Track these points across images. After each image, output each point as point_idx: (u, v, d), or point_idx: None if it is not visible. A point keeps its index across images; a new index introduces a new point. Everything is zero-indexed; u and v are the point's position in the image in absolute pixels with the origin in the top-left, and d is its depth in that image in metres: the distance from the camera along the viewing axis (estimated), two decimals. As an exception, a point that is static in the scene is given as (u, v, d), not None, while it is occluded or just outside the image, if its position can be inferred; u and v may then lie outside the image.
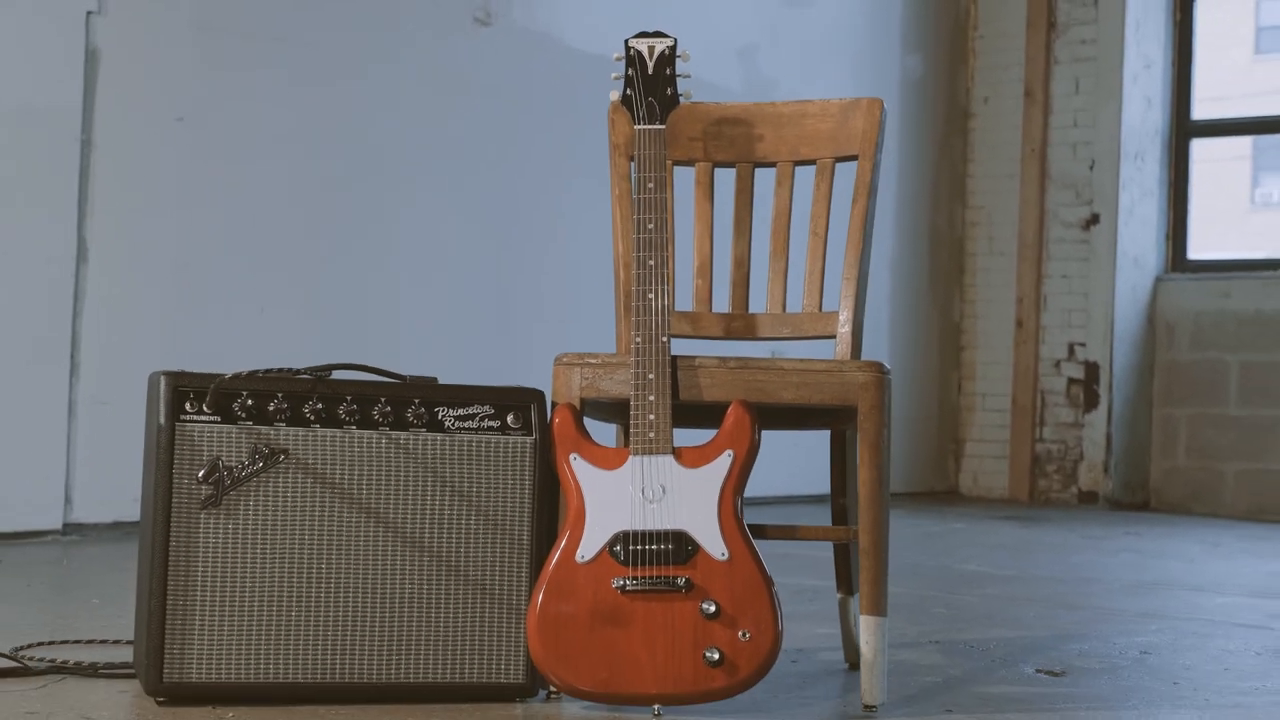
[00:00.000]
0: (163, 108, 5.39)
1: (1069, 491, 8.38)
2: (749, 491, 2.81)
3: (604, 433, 3.03)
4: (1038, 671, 3.32)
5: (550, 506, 2.83)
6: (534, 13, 6.59)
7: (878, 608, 2.82)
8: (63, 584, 4.24)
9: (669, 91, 2.94)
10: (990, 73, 8.76)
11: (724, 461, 2.75)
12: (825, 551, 4.90)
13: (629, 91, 2.94)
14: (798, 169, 3.26)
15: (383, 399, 2.78)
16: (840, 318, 3.16)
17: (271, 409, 2.72)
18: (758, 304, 3.25)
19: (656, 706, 2.71)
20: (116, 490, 5.15)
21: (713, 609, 2.69)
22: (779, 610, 2.72)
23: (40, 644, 3.13)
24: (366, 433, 2.76)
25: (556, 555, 2.72)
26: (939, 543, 6.22)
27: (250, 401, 2.72)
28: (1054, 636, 3.81)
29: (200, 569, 2.67)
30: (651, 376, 2.76)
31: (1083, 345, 8.37)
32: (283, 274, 5.73)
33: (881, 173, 3.32)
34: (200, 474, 2.68)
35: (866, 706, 2.82)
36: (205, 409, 2.70)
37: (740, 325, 3.25)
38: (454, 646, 2.77)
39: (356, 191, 5.96)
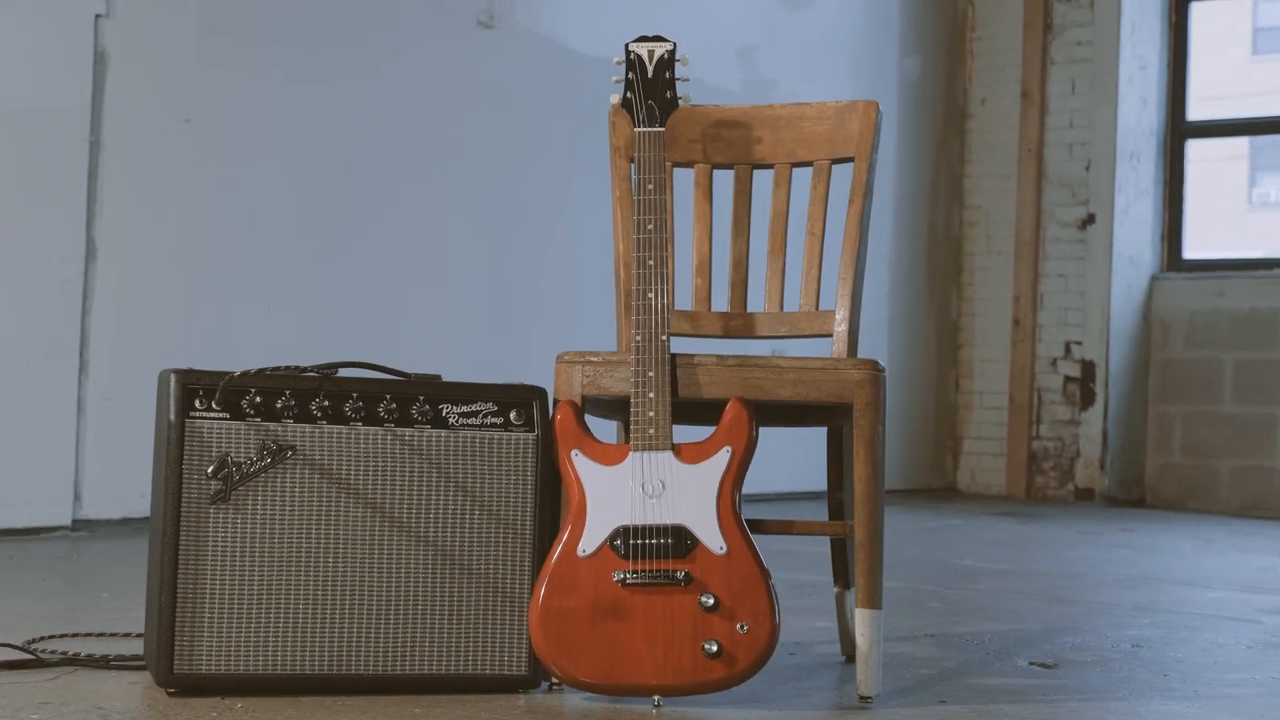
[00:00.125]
0: (170, 109, 5.41)
1: (1065, 488, 8.40)
2: (747, 487, 2.83)
3: (605, 429, 3.05)
4: (1031, 664, 3.36)
5: (552, 501, 2.86)
6: (536, 15, 6.61)
7: (873, 601, 2.85)
8: (73, 578, 4.26)
9: (668, 95, 2.97)
10: (987, 74, 8.78)
11: (722, 457, 2.78)
12: (822, 546, 4.93)
13: (629, 95, 2.97)
14: (795, 170, 3.29)
15: (388, 396, 2.82)
16: (837, 316, 3.19)
17: (279, 406, 2.76)
18: (756, 303, 3.29)
19: (656, 697, 2.74)
20: (125, 486, 5.19)
21: (711, 602, 2.72)
22: (776, 603, 2.75)
23: (52, 636, 3.15)
24: (372, 429, 2.79)
25: (558, 549, 2.75)
26: (936, 538, 6.24)
27: (258, 399, 2.75)
28: (1047, 630, 3.84)
29: (210, 563, 2.71)
30: (651, 374, 2.79)
31: (1079, 344, 8.39)
32: (288, 272, 5.75)
33: (880, 173, 3.37)
34: (209, 470, 2.71)
35: (862, 697, 2.85)
36: (214, 406, 2.73)
37: (739, 324, 3.28)
38: (458, 639, 2.81)
39: (361, 191, 5.98)
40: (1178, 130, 8.55)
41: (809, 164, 3.28)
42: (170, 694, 2.70)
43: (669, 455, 2.77)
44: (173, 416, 2.72)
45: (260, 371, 2.78)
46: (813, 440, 3.46)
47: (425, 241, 6.21)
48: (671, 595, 2.73)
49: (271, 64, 5.69)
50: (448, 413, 2.84)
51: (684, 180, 3.35)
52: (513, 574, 2.84)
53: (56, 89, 5.11)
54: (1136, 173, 8.43)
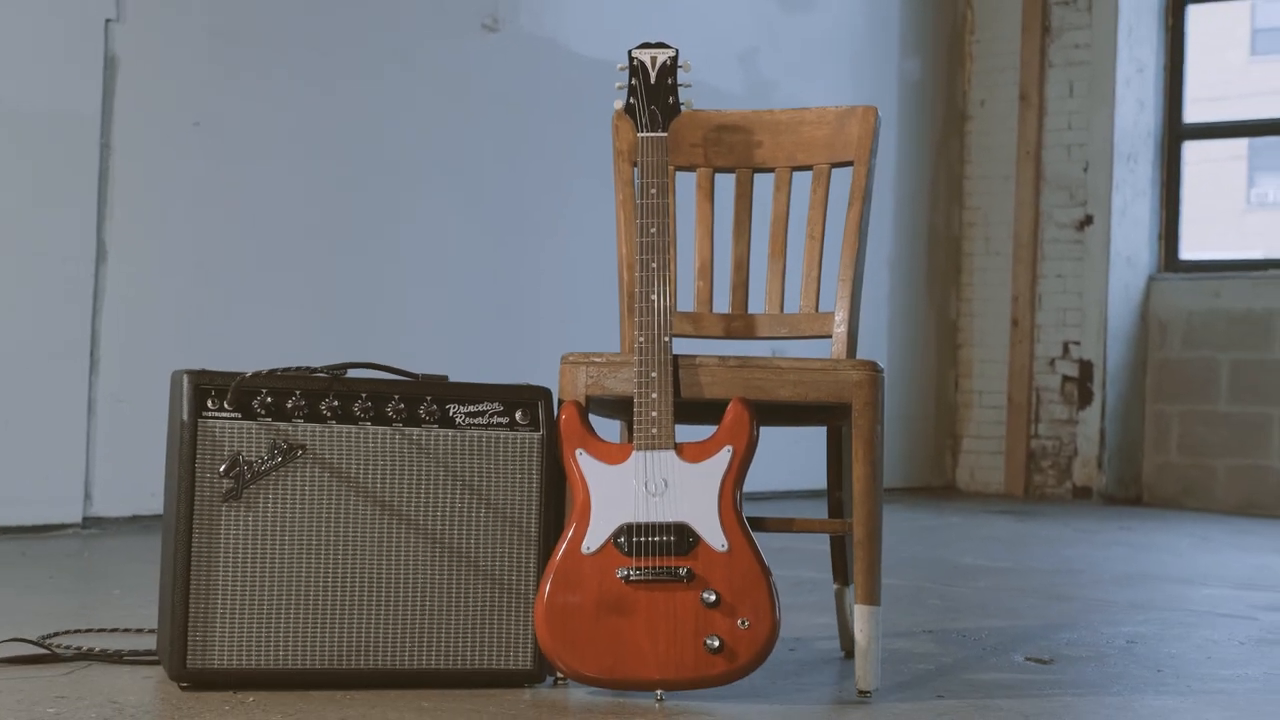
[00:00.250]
0: (180, 113, 5.42)
1: (1063, 486, 8.42)
2: (748, 486, 2.86)
3: (609, 429, 3.09)
4: (1027, 659, 3.38)
5: (557, 500, 2.89)
6: (540, 19, 6.62)
7: (872, 597, 2.88)
8: (84, 575, 4.27)
9: (671, 100, 3.00)
10: (986, 76, 8.80)
11: (724, 456, 2.81)
12: (822, 544, 4.97)
13: (632, 100, 3.00)
14: (795, 174, 3.32)
15: (396, 396, 2.84)
16: (836, 318, 3.21)
17: (290, 406, 2.78)
18: (757, 304, 3.31)
19: (659, 692, 2.77)
20: (135, 485, 5.20)
21: (713, 598, 2.74)
22: (777, 599, 2.78)
23: (66, 632, 3.18)
24: (381, 429, 2.82)
25: (563, 546, 2.78)
26: (935, 536, 6.25)
27: (269, 399, 2.78)
28: (1044, 626, 3.87)
29: (222, 560, 2.73)
30: (654, 375, 2.82)
31: (1077, 343, 8.41)
32: (295, 273, 5.77)
33: (880, 174, 3.40)
34: (221, 468, 2.74)
35: (861, 692, 2.88)
36: (226, 406, 2.76)
37: (740, 325, 3.30)
38: (465, 634, 2.83)
39: (367, 193, 5.99)
40: (1174, 132, 8.56)
41: (809, 168, 3.30)
42: (183, 688, 2.72)
43: (671, 454, 2.80)
44: (185, 416, 2.74)
45: (271, 372, 2.80)
46: (812, 440, 3.48)
47: (429, 242, 6.22)
48: (674, 591, 2.76)
49: (279, 68, 5.71)
50: (455, 413, 2.86)
51: (686, 184, 3.37)
52: (518, 571, 2.86)
53: (68, 93, 5.12)
54: (1134, 174, 8.45)
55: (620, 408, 3.04)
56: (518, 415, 2.90)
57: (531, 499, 2.88)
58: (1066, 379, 8.46)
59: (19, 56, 5.02)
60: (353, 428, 2.81)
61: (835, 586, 3.34)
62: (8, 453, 4.97)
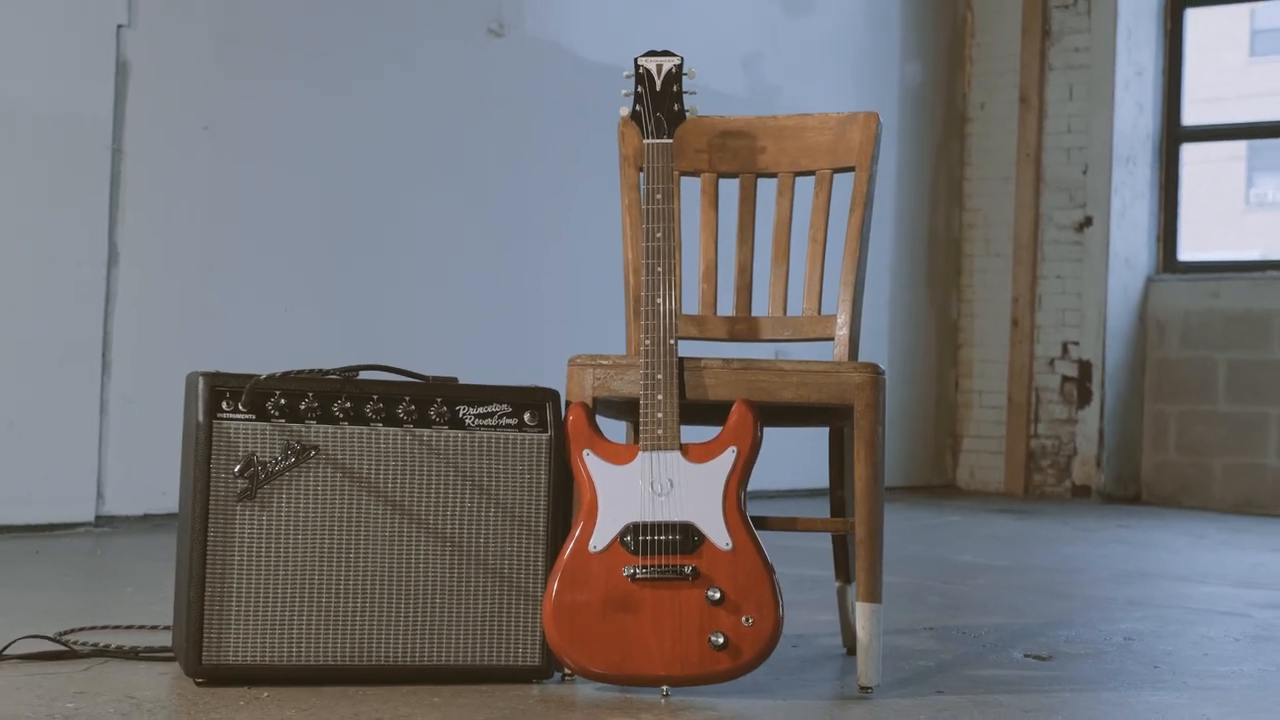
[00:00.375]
0: (189, 116, 5.45)
1: (1063, 485, 8.42)
2: (752, 485, 2.88)
3: (615, 430, 3.11)
4: (1026, 656, 3.41)
5: (565, 499, 2.91)
6: (545, 24, 6.63)
7: (873, 594, 2.90)
8: (97, 573, 4.30)
9: (676, 107, 3.02)
10: (987, 79, 8.80)
11: (728, 457, 2.84)
12: (824, 542, 4.98)
13: (638, 107, 3.03)
14: (798, 179, 3.34)
15: (407, 398, 2.87)
16: (838, 320, 3.24)
17: (303, 407, 2.81)
18: (760, 307, 3.33)
19: (665, 687, 2.80)
20: (146, 484, 5.23)
21: (718, 596, 2.77)
22: (780, 597, 2.80)
23: (82, 629, 3.21)
24: (392, 430, 2.85)
25: (571, 545, 2.81)
26: (936, 535, 6.26)
27: (283, 400, 2.81)
28: (1043, 623, 3.89)
29: (236, 558, 2.76)
30: (660, 377, 2.85)
31: (1076, 344, 8.42)
32: (304, 275, 5.79)
33: (881, 176, 3.43)
34: (236, 469, 2.77)
35: (862, 688, 2.90)
36: (241, 407, 2.78)
37: (743, 328, 3.33)
38: (474, 631, 2.86)
39: (373, 195, 6.01)
40: (1173, 135, 8.57)
41: (811, 173, 3.33)
42: (199, 684, 2.75)
43: (677, 455, 2.82)
44: (201, 417, 2.77)
45: (285, 374, 2.83)
46: (815, 440, 3.51)
47: (434, 245, 6.23)
48: (679, 589, 2.78)
49: (287, 72, 5.73)
50: (464, 414, 2.89)
51: (691, 188, 3.39)
52: (527, 569, 2.89)
53: (79, 97, 5.14)
54: (1133, 176, 8.46)
55: (626, 409, 3.07)
56: (526, 416, 2.92)
57: (540, 499, 2.90)
58: (1066, 379, 8.47)
59: (32, 61, 5.05)
60: (364, 429, 2.84)
61: (837, 584, 3.35)
62: (22, 453, 4.99)
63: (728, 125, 3.37)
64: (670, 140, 3.01)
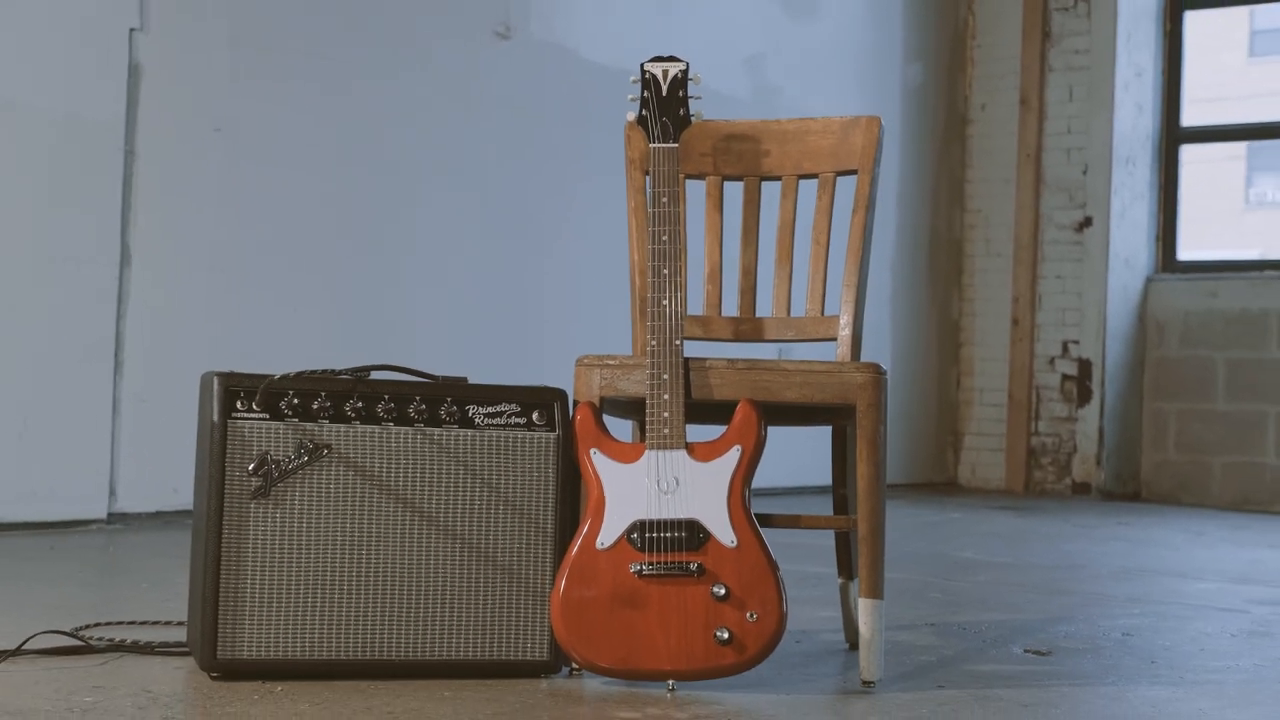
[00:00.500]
0: (201, 119, 5.48)
1: (1063, 483, 8.44)
2: (756, 483, 2.91)
3: (621, 429, 3.13)
4: (1026, 651, 3.43)
5: (572, 497, 2.93)
6: (551, 27, 6.65)
7: (875, 591, 2.93)
8: (111, 569, 4.31)
9: (681, 112, 3.05)
10: (987, 81, 8.82)
11: (733, 455, 2.87)
12: (827, 540, 5.00)
13: (644, 112, 3.05)
14: (801, 182, 3.37)
15: (418, 397, 2.89)
16: (841, 321, 3.26)
17: (316, 407, 2.83)
18: (764, 308, 3.36)
19: (671, 682, 2.83)
20: (158, 482, 5.27)
21: (723, 592, 2.80)
22: (784, 593, 2.83)
23: (97, 624, 3.23)
24: (403, 429, 2.87)
25: (578, 542, 2.83)
26: (937, 532, 6.28)
27: (296, 400, 2.83)
28: (1043, 619, 3.91)
29: (250, 555, 2.78)
30: (666, 377, 2.87)
31: (1076, 343, 8.44)
32: (313, 275, 5.81)
33: (883, 177, 3.44)
34: (250, 467, 2.79)
35: (865, 683, 2.93)
36: (255, 407, 2.80)
37: (748, 328, 3.35)
38: (484, 626, 2.88)
39: (382, 198, 6.03)
40: (1172, 136, 8.60)
41: (814, 176, 3.35)
42: (214, 678, 2.78)
43: (683, 453, 2.85)
44: (216, 417, 2.79)
45: (298, 374, 2.85)
46: (818, 439, 3.53)
47: (441, 245, 6.25)
48: (685, 585, 2.80)
49: (297, 75, 5.75)
50: (474, 413, 2.91)
51: (695, 191, 3.42)
52: (535, 565, 2.91)
53: (92, 100, 5.17)
54: (1132, 177, 8.48)
55: (633, 408, 3.09)
56: (534, 416, 2.94)
57: (548, 496, 2.93)
58: (1066, 377, 8.49)
59: (46, 65, 5.07)
60: (376, 428, 2.86)
61: (840, 581, 3.38)
62: (36, 451, 5.02)
63: (732, 129, 3.40)
64: (676, 145, 3.04)
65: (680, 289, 2.94)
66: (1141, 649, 3.54)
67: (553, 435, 2.95)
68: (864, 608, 2.94)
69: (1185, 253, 8.65)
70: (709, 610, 2.81)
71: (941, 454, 8.85)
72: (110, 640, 3.04)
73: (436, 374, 2.98)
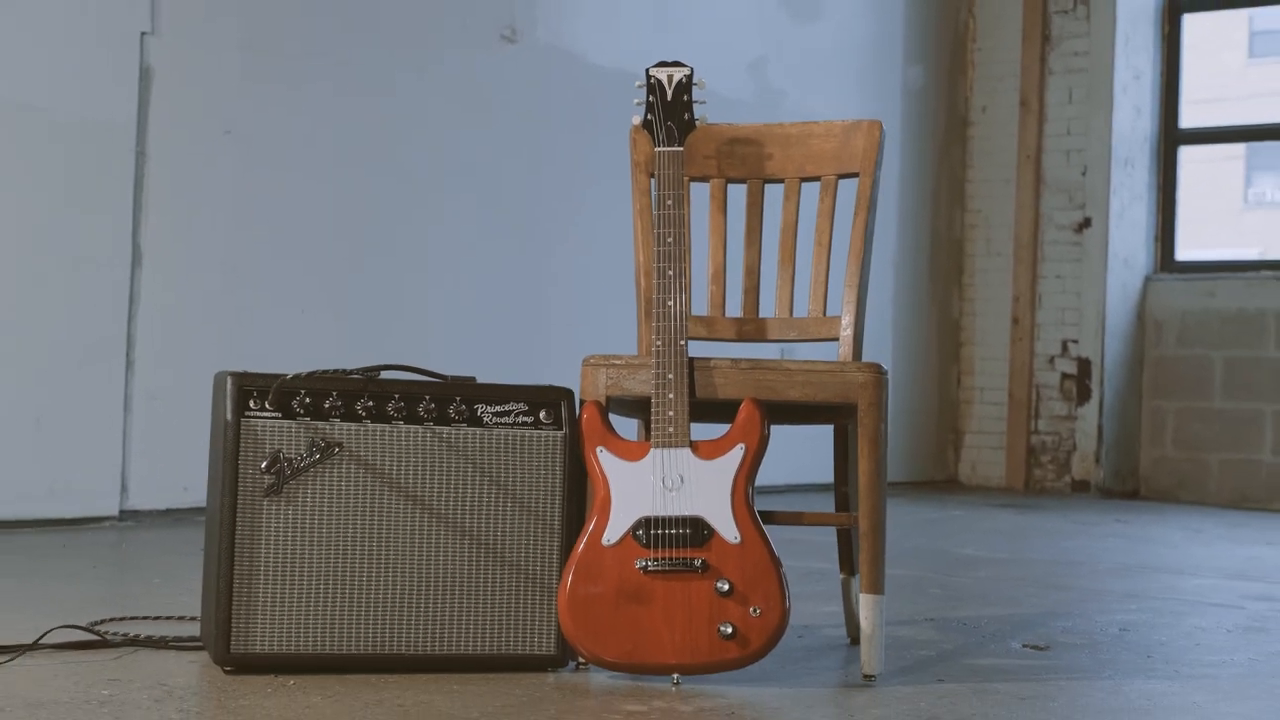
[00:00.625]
0: (211, 122, 5.50)
1: (1062, 480, 8.46)
2: (759, 481, 2.94)
3: (627, 427, 3.19)
4: (1024, 646, 3.46)
5: (579, 494, 2.96)
6: (557, 31, 6.67)
7: (876, 586, 2.96)
8: (123, 566, 4.33)
9: (686, 116, 3.08)
10: (988, 83, 8.84)
11: (737, 454, 2.90)
12: (828, 536, 5.05)
13: (650, 116, 3.09)
14: (804, 185, 3.41)
15: (427, 396, 2.92)
16: (843, 321, 3.30)
17: (327, 406, 2.86)
18: (767, 309, 3.39)
19: (675, 676, 2.86)
20: (169, 479, 5.30)
21: (726, 587, 2.83)
22: (787, 589, 2.86)
23: (112, 619, 3.26)
24: (413, 427, 2.90)
25: (585, 539, 2.87)
26: (938, 528, 6.29)
27: (308, 399, 2.86)
28: (1041, 614, 3.93)
29: (263, 551, 2.81)
30: (670, 376, 2.90)
31: (1075, 342, 8.45)
32: (321, 276, 5.83)
33: (885, 178, 3.46)
34: (263, 465, 2.82)
35: (866, 676, 2.96)
36: (267, 406, 2.83)
37: (751, 328, 3.39)
38: (492, 621, 2.91)
39: (390, 200, 6.05)
40: (1170, 137, 8.61)
41: (817, 179, 3.39)
42: (227, 672, 2.81)
43: (687, 452, 2.88)
44: (229, 416, 2.82)
45: (310, 374, 2.88)
46: (820, 437, 3.55)
47: (449, 247, 6.27)
48: (689, 581, 2.83)
49: (307, 78, 5.77)
50: (482, 412, 2.93)
51: (700, 193, 3.45)
52: (542, 561, 2.93)
53: (104, 103, 5.19)
54: (1131, 178, 8.50)
55: (638, 407, 3.13)
56: (542, 415, 2.97)
57: (555, 494, 2.95)
58: (1065, 376, 8.51)
59: (59, 68, 5.09)
60: (386, 426, 2.89)
61: (841, 576, 3.40)
62: (49, 449, 5.05)
63: (736, 133, 3.43)
64: (681, 148, 3.07)
65: (685, 290, 2.97)
66: (1138, 644, 3.57)
67: (560, 434, 2.97)
68: (865, 603, 2.97)
69: (1184, 252, 8.67)
70: (713, 605, 2.84)
71: (942, 452, 8.87)
72: (125, 635, 3.07)
73: (445, 374, 3.00)
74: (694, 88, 3.12)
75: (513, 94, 6.52)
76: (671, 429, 2.90)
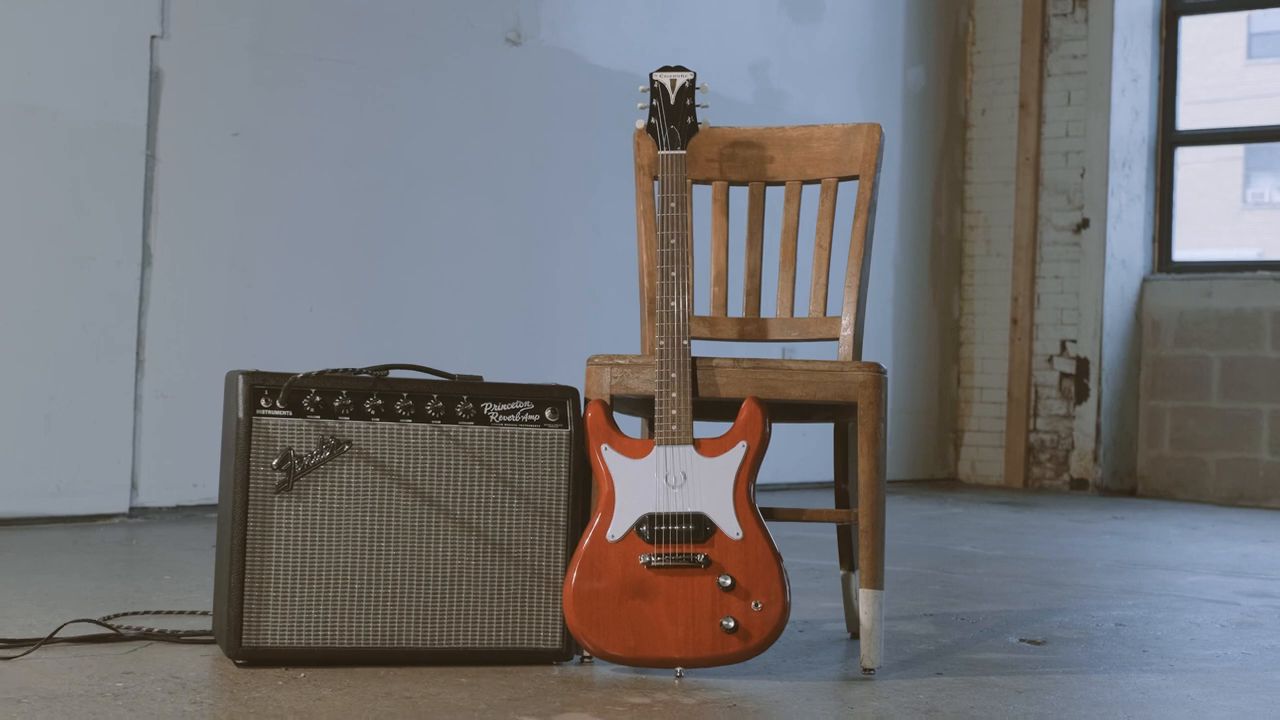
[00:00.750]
0: (220, 124, 5.53)
1: (1061, 479, 8.47)
2: (760, 478, 2.99)
3: (631, 425, 3.23)
4: (1021, 641, 3.49)
5: (584, 491, 3.00)
6: (560, 33, 6.69)
7: (875, 581, 2.99)
8: (134, 562, 4.34)
9: (689, 120, 3.12)
10: (987, 86, 8.85)
11: (739, 451, 2.92)
12: (828, 534, 5.11)
13: (653, 120, 3.12)
14: (805, 187, 3.44)
15: (435, 395, 2.95)
16: (843, 322, 3.33)
17: (337, 404, 2.89)
18: (768, 309, 3.45)
19: (678, 669, 2.89)
20: (178, 476, 5.34)
21: (728, 582, 2.86)
22: (788, 584, 2.89)
23: (124, 614, 3.30)
24: (421, 425, 2.93)
25: (589, 535, 2.90)
26: (937, 525, 6.26)
27: (318, 398, 2.89)
28: (1038, 610, 3.96)
29: (274, 546, 2.85)
30: (674, 375, 2.93)
31: (1074, 341, 8.46)
32: (330, 276, 5.85)
33: (886, 179, 3.48)
34: (274, 462, 2.85)
35: (865, 669, 2.99)
36: (278, 404, 2.87)
37: (753, 328, 3.41)
38: (498, 616, 2.94)
39: (397, 200, 6.08)
40: (1168, 139, 8.62)
41: (817, 181, 3.42)
42: (239, 665, 2.85)
43: (690, 449, 2.91)
44: (241, 414, 2.85)
45: (320, 373, 2.91)
46: (820, 435, 3.59)
47: (456, 247, 6.29)
48: (692, 576, 2.86)
49: (314, 81, 5.80)
50: (489, 410, 2.97)
51: (702, 196, 3.49)
52: (548, 557, 2.97)
53: (115, 106, 5.23)
54: (1129, 179, 8.51)
55: (642, 406, 3.16)
56: (547, 413, 3.00)
57: (560, 491, 2.99)
58: (1064, 375, 8.53)
59: (70, 71, 5.13)
60: (395, 424, 2.92)
61: (842, 572, 3.43)
62: (59, 447, 5.08)
63: (738, 136, 3.46)
64: (683, 152, 3.10)
65: (688, 290, 2.99)
66: (1133, 639, 3.59)
67: (565, 432, 3.00)
68: (864, 597, 3.00)
69: (1184, 253, 8.68)
70: (715, 600, 2.87)
71: (942, 450, 8.89)
72: (138, 629, 3.10)
73: (452, 373, 3.03)
74: (697, 92, 3.15)
75: (518, 95, 6.54)
76: (675, 427, 2.92)
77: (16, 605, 3.44)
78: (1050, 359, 8.60)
